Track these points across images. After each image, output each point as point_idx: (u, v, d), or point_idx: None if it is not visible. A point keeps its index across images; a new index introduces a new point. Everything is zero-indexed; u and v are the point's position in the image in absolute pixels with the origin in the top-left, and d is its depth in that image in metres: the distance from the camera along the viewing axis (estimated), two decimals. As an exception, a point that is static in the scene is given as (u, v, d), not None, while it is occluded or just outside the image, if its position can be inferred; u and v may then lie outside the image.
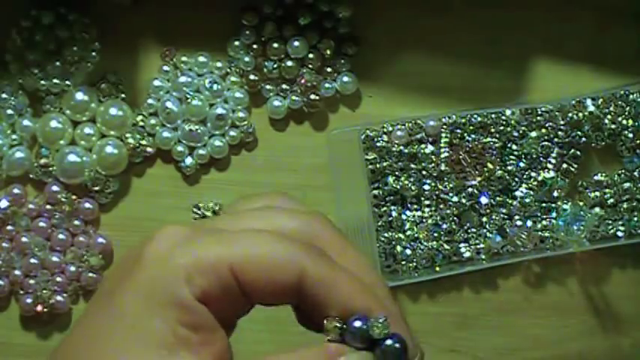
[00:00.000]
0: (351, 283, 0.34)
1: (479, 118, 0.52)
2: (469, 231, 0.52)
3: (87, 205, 0.53)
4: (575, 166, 0.52)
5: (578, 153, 0.52)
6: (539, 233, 0.52)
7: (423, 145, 0.52)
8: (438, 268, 0.52)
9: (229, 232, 0.34)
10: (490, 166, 0.52)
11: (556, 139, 0.52)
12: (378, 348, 0.32)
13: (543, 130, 0.52)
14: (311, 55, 0.53)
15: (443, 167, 0.52)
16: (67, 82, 0.52)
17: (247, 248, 0.33)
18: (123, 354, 0.31)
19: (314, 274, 0.33)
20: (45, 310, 0.52)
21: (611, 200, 0.52)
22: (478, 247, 0.52)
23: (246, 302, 0.34)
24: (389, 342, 0.32)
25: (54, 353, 0.33)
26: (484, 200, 0.52)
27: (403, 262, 0.52)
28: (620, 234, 0.52)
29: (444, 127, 0.52)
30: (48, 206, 0.53)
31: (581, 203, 0.52)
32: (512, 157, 0.52)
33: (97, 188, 0.53)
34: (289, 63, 0.53)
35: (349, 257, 0.35)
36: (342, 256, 0.35)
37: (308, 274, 0.33)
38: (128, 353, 0.31)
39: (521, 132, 0.52)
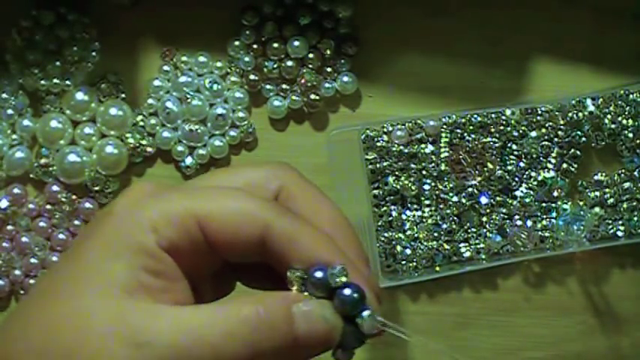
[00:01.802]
0: (314, 235, 0.35)
1: (479, 118, 0.52)
2: (469, 231, 0.52)
3: (87, 205, 0.53)
4: (575, 165, 0.52)
5: (578, 153, 0.52)
6: (539, 233, 0.52)
7: (423, 145, 0.52)
8: (438, 268, 0.52)
9: (197, 188, 0.35)
10: (490, 166, 0.52)
11: (556, 139, 0.52)
12: (336, 297, 0.33)
13: (543, 130, 0.52)
14: (311, 55, 0.53)
15: (443, 167, 0.52)
16: (67, 82, 0.52)
17: (213, 202, 0.34)
18: (83, 297, 0.32)
19: (277, 228, 0.34)
20: (45, 310, 0.52)
21: (611, 200, 0.52)
22: (478, 246, 0.52)
23: (213, 258, 0.35)
24: (347, 291, 0.33)
25: (19, 303, 0.34)
26: (484, 200, 0.52)
27: (403, 262, 0.52)
28: (620, 234, 0.52)
29: (444, 127, 0.52)
30: (48, 206, 0.53)
31: (581, 203, 0.52)
32: (512, 156, 0.52)
33: (97, 188, 0.53)
34: (289, 63, 0.53)
35: (318, 206, 0.37)
36: (310, 204, 0.36)
37: (271, 227, 0.34)
38: (87, 296, 0.32)
39: (521, 132, 0.52)
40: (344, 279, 0.33)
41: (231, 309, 0.32)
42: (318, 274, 0.34)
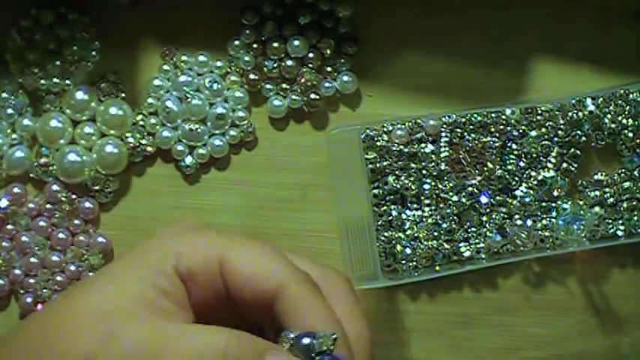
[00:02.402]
0: (323, 311, 0.35)
1: (479, 118, 0.52)
2: (469, 230, 0.52)
3: (87, 204, 0.53)
4: (575, 165, 0.52)
5: (578, 152, 0.52)
6: (539, 232, 0.52)
7: (423, 145, 0.52)
8: (438, 268, 0.52)
9: (229, 233, 0.37)
10: (490, 165, 0.52)
11: (556, 139, 0.52)
12: None
13: (543, 130, 0.52)
14: (311, 55, 0.53)
15: (443, 166, 0.52)
16: (67, 82, 0.52)
17: (241, 248, 0.35)
18: (92, 302, 0.34)
19: (290, 292, 0.34)
20: (45, 309, 0.52)
21: (611, 200, 0.52)
22: (478, 246, 0.52)
23: (225, 300, 0.35)
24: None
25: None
26: (484, 199, 0.52)
27: (403, 262, 0.52)
28: (620, 233, 0.52)
29: (444, 126, 0.52)
30: (48, 205, 0.53)
31: (581, 202, 0.52)
32: (512, 156, 0.52)
33: (97, 187, 0.53)
34: (289, 62, 0.53)
35: (345, 299, 0.37)
36: (340, 295, 0.37)
37: (285, 289, 0.34)
38: (98, 302, 0.34)
39: (521, 131, 0.52)
40: (329, 347, 0.33)
41: (208, 332, 0.33)
42: (306, 340, 0.33)
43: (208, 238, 0.36)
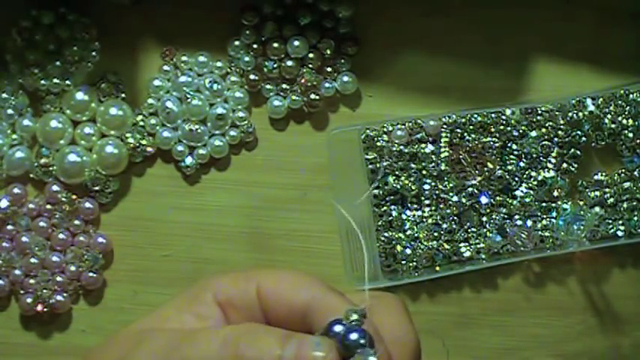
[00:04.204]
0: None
1: (479, 118, 0.52)
2: (469, 230, 0.52)
3: (87, 204, 0.53)
4: (575, 165, 0.52)
5: (578, 152, 0.52)
6: (540, 233, 0.52)
7: (423, 145, 0.52)
8: (438, 268, 0.52)
9: (267, 269, 0.41)
10: (490, 165, 0.52)
11: (556, 139, 0.52)
12: (343, 340, 0.32)
13: (543, 130, 0.52)
14: (311, 55, 0.53)
15: (443, 167, 0.52)
16: (67, 82, 0.52)
17: (275, 273, 0.37)
18: (133, 327, 0.37)
19: (320, 301, 0.35)
20: (45, 309, 0.52)
21: (611, 200, 0.52)
22: (478, 246, 0.52)
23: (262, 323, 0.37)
24: (354, 335, 0.32)
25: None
26: (484, 200, 0.52)
27: (403, 262, 0.52)
28: (620, 233, 0.52)
29: (444, 126, 0.52)
30: (48, 206, 0.53)
31: (581, 203, 0.52)
32: (512, 156, 0.52)
33: (97, 188, 0.53)
34: (289, 63, 0.53)
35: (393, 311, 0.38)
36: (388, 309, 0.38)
37: (316, 300, 0.35)
38: (139, 325, 0.37)
39: (521, 131, 0.52)
40: (356, 321, 0.32)
41: (234, 326, 0.35)
42: (337, 328, 0.33)
43: (246, 271, 0.38)
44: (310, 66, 0.53)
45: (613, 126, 0.52)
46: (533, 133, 0.52)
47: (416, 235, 0.52)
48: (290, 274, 0.37)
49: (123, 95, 0.54)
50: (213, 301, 0.36)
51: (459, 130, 0.52)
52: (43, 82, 0.52)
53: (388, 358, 0.34)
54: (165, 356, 0.34)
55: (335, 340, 0.32)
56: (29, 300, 0.52)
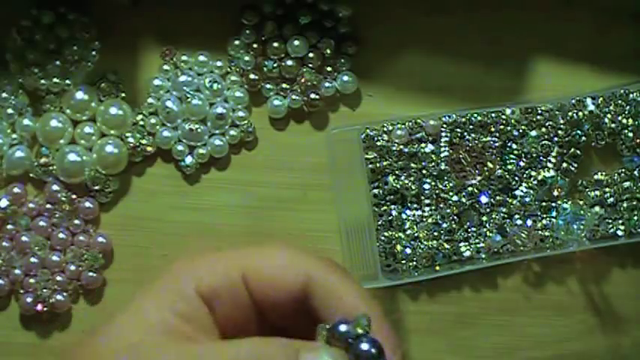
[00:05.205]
0: (355, 291, 0.34)
1: (479, 118, 0.52)
2: (469, 230, 0.52)
3: (87, 204, 0.53)
4: (575, 165, 0.52)
5: (578, 152, 0.52)
6: (539, 232, 0.52)
7: (423, 145, 0.52)
8: (438, 267, 0.52)
9: (248, 248, 0.36)
10: (490, 165, 0.52)
11: (556, 139, 0.52)
12: (352, 349, 0.32)
13: (543, 130, 0.52)
14: (311, 55, 0.53)
15: (443, 166, 0.52)
16: (67, 82, 0.52)
17: (259, 255, 0.35)
18: (115, 336, 0.33)
19: (319, 280, 0.34)
20: (45, 309, 0.52)
21: (611, 199, 0.52)
22: (478, 246, 0.52)
23: (250, 310, 0.35)
24: (365, 345, 0.32)
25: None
26: (484, 199, 0.52)
27: (403, 261, 0.52)
28: (620, 233, 0.52)
29: (444, 126, 0.52)
30: (48, 205, 0.53)
31: (581, 202, 0.52)
32: (512, 156, 0.52)
33: (97, 187, 0.53)
34: (289, 62, 0.53)
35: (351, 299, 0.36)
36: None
37: (313, 279, 0.34)
38: (120, 336, 0.33)
39: (521, 131, 0.52)
40: (365, 328, 0.32)
41: (237, 344, 0.32)
42: (343, 328, 0.32)
43: (225, 254, 0.35)
44: (310, 66, 0.53)
45: (613, 126, 0.52)
46: (533, 133, 0.52)
47: (416, 234, 0.52)
48: (277, 253, 0.35)
49: (123, 95, 0.54)
50: (196, 296, 0.34)
51: (459, 130, 0.52)
52: (43, 81, 0.52)
53: None
54: None
55: (342, 341, 0.32)
56: (29, 300, 0.52)
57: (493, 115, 0.52)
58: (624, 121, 0.52)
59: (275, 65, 0.53)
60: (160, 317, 0.34)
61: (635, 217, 0.52)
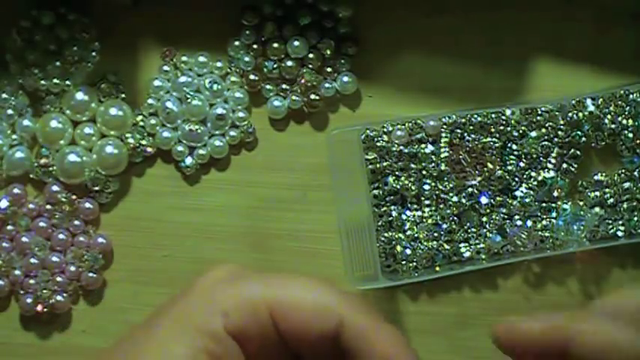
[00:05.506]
0: (390, 336, 0.33)
1: (479, 118, 0.52)
2: (469, 231, 0.52)
3: (87, 205, 0.53)
4: (575, 165, 0.52)
5: (578, 153, 0.52)
6: (539, 233, 0.52)
7: (423, 145, 0.52)
8: (438, 268, 0.52)
9: (274, 275, 0.34)
10: (490, 166, 0.52)
11: (556, 139, 0.52)
12: None
13: (543, 130, 0.52)
14: (311, 55, 0.53)
15: (443, 167, 0.52)
16: (67, 82, 0.52)
17: (288, 290, 0.33)
18: None
19: (352, 324, 0.33)
20: (45, 309, 0.52)
21: (611, 200, 0.52)
22: (478, 246, 0.52)
23: (282, 348, 0.34)
24: None
25: None
26: (484, 200, 0.52)
27: (403, 262, 0.52)
28: (620, 234, 0.52)
29: (444, 127, 0.52)
30: (48, 206, 0.53)
31: (581, 203, 0.52)
32: (512, 156, 0.52)
33: (97, 188, 0.53)
34: (289, 63, 0.53)
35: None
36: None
37: (346, 323, 0.33)
38: None
39: (521, 132, 0.52)
40: None
41: None
42: None
43: (251, 286, 0.34)
44: (310, 66, 0.53)
45: (613, 126, 0.52)
46: (533, 134, 0.52)
47: (416, 235, 0.52)
48: (307, 291, 0.33)
49: (123, 95, 0.54)
50: (226, 335, 0.33)
51: (459, 131, 0.52)
52: (43, 82, 0.52)
53: None
54: None
55: None
56: (29, 300, 0.52)
57: (493, 115, 0.52)
58: (624, 121, 0.52)
59: (275, 66, 0.53)
60: (190, 356, 0.32)
61: (635, 218, 0.52)
